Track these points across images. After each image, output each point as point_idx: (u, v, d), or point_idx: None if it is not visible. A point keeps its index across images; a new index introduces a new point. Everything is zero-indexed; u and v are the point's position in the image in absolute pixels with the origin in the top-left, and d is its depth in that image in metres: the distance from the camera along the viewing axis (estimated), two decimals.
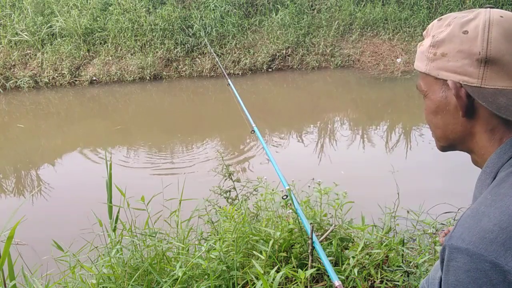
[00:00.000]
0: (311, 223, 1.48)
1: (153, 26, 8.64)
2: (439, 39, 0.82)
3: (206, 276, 1.68)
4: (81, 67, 8.60)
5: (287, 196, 1.76)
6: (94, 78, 8.47)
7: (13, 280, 1.59)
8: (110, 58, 8.60)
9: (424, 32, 0.92)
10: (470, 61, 0.78)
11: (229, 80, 3.43)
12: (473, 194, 0.95)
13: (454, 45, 0.80)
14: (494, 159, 0.80)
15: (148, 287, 1.69)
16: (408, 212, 2.28)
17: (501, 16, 0.79)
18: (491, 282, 0.64)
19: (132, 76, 8.37)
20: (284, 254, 1.79)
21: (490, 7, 0.84)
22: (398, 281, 1.70)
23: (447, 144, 0.90)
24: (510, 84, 0.77)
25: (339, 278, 1.30)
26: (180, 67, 8.55)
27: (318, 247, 1.47)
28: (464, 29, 0.79)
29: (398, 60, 8.33)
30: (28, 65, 8.60)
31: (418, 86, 0.92)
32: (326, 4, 9.22)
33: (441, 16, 0.90)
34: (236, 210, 2.08)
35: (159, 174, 4.72)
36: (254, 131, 2.49)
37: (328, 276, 1.72)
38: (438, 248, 1.71)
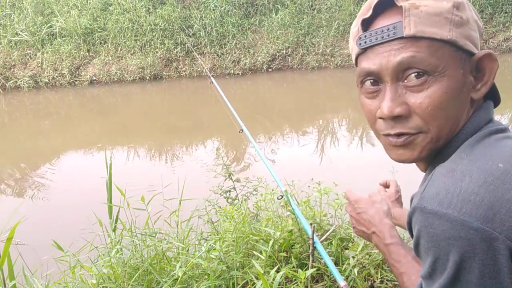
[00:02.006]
0: (311, 223, 1.48)
1: (153, 26, 8.64)
2: (460, 1, 0.67)
3: (206, 276, 1.68)
4: (81, 67, 8.60)
5: (282, 197, 1.76)
6: (94, 78, 8.47)
7: (13, 280, 1.59)
8: (110, 58, 8.61)
9: None
10: (479, 34, 0.71)
11: (212, 79, 3.51)
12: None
13: (470, 12, 0.69)
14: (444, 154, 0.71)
15: (148, 287, 1.69)
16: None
17: None
18: (474, 250, 0.56)
19: (132, 76, 8.37)
20: (284, 254, 1.79)
21: None
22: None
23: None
24: None
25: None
26: (180, 67, 8.55)
27: (320, 248, 1.47)
28: None
29: None
30: (28, 65, 8.61)
31: (422, 63, 0.65)
32: (326, 4, 9.22)
33: None
34: (236, 210, 2.08)
35: (159, 174, 4.72)
36: (242, 131, 2.46)
37: (328, 276, 1.72)
38: None
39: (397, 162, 0.74)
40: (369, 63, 0.70)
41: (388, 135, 0.71)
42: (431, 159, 0.74)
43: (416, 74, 0.66)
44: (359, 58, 0.74)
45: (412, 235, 0.66)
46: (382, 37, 0.68)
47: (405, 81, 0.67)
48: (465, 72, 0.67)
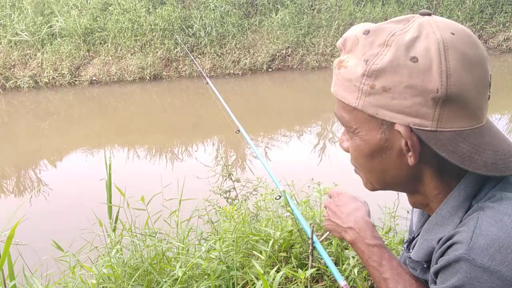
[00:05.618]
0: (311, 224, 1.48)
1: (153, 26, 8.64)
2: (378, 67, 0.60)
3: (206, 276, 1.68)
4: (81, 67, 8.60)
5: (280, 197, 1.76)
6: (94, 78, 8.47)
7: (13, 280, 1.59)
8: (110, 58, 8.60)
9: (340, 43, 0.68)
10: (423, 100, 0.58)
11: (207, 79, 3.55)
12: (412, 226, 0.87)
13: (400, 77, 0.59)
14: (461, 193, 0.65)
15: (148, 287, 1.69)
16: (408, 212, 2.29)
17: (453, 34, 0.59)
18: None
19: (132, 76, 8.37)
20: (284, 254, 1.79)
21: (428, 14, 0.63)
22: None
23: (382, 188, 0.74)
24: (470, 123, 0.60)
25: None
26: (180, 67, 8.55)
27: (320, 248, 1.47)
28: (411, 55, 0.58)
29: None
30: (28, 65, 8.60)
31: (341, 119, 0.69)
32: (326, 4, 9.22)
33: (368, 24, 0.66)
34: (236, 210, 2.08)
35: (158, 174, 4.72)
36: (239, 131, 2.45)
37: (328, 276, 1.73)
38: None
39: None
40: None
41: None
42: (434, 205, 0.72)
43: None
44: None
45: (436, 274, 0.64)
46: None
47: None
48: (389, 137, 0.64)
